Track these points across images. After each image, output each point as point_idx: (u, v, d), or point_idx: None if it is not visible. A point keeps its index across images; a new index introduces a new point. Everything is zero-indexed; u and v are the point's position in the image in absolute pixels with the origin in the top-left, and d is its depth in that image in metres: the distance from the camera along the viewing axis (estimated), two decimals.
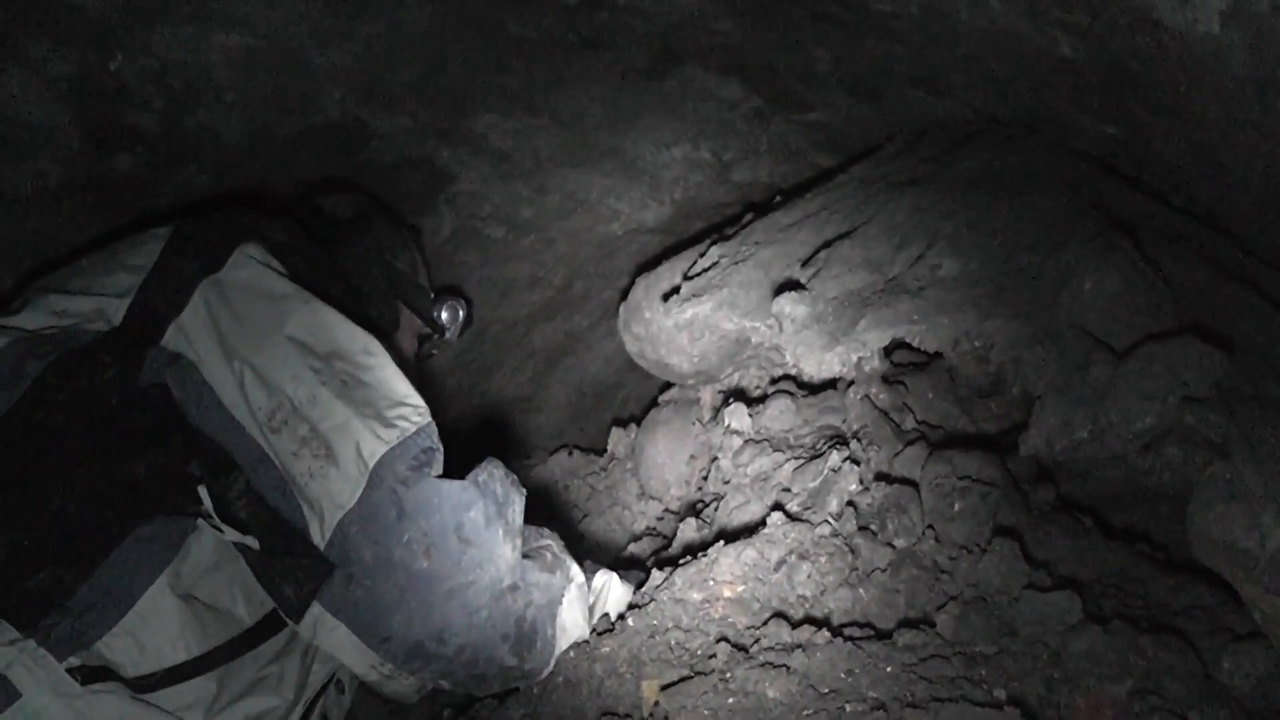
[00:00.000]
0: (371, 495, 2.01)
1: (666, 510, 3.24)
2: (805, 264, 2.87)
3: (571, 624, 2.24)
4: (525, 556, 2.25)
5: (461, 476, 2.17)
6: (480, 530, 2.11)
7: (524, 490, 2.30)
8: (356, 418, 2.04)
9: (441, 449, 2.14)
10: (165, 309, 2.14)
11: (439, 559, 2.04)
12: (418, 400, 2.15)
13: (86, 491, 2.02)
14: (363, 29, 2.91)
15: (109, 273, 2.23)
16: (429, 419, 2.13)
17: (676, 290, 3.03)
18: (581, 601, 2.30)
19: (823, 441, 2.59)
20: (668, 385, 3.59)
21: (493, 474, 2.23)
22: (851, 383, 2.65)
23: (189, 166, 2.99)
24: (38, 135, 2.62)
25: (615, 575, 2.44)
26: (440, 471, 2.12)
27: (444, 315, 3.09)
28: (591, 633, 2.27)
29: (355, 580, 2.00)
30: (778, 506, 2.43)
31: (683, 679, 2.01)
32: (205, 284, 2.15)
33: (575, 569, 2.34)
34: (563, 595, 2.24)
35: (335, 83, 3.06)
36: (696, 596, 2.22)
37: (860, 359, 2.62)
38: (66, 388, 2.07)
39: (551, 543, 2.38)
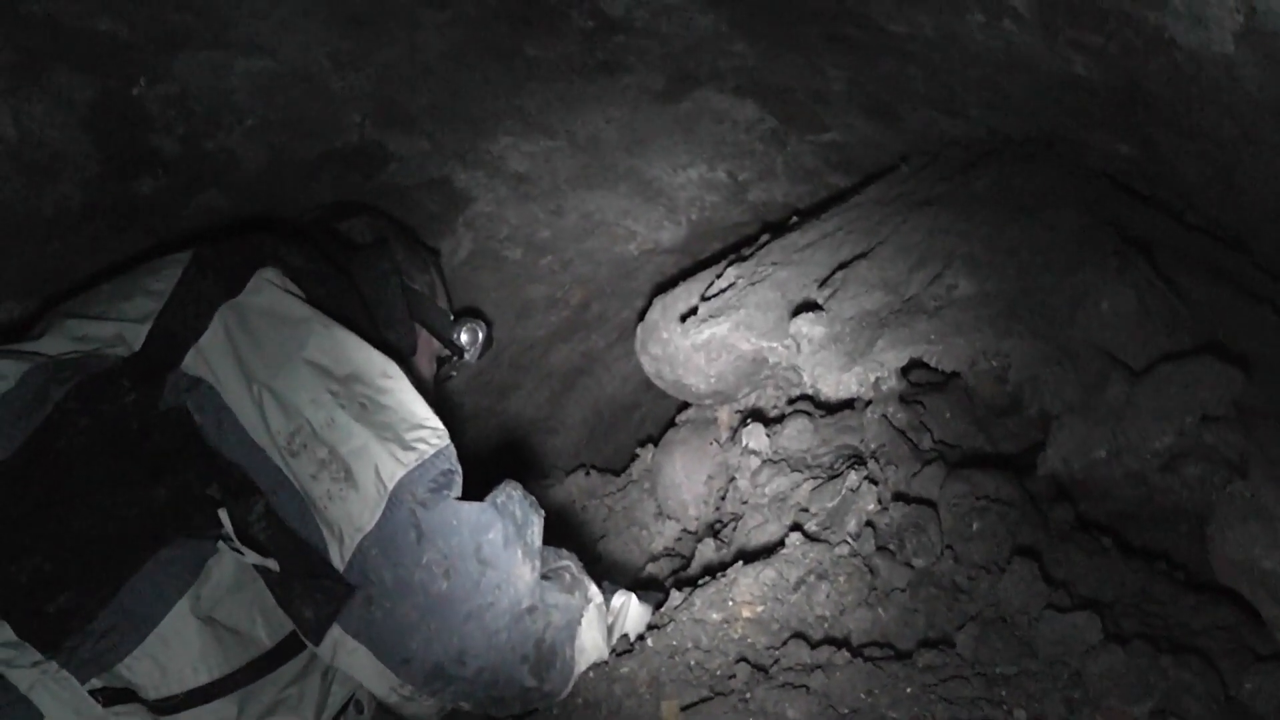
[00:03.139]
0: (391, 517, 2.02)
1: (684, 530, 3.24)
2: (822, 285, 2.87)
3: (590, 645, 2.25)
4: (544, 577, 2.26)
5: (480, 498, 2.17)
6: (499, 552, 2.11)
7: (543, 511, 2.30)
8: (375, 440, 2.04)
9: (460, 471, 2.14)
10: (185, 333, 2.14)
11: (458, 581, 2.05)
12: (436, 423, 2.16)
13: (108, 515, 2.03)
14: (381, 53, 2.93)
15: (129, 297, 2.25)
16: (448, 441, 2.14)
17: (694, 311, 3.03)
18: (600, 622, 2.30)
19: (841, 461, 2.59)
20: (685, 405, 3.60)
21: (511, 495, 2.24)
22: (869, 403, 2.65)
23: (209, 190, 3.01)
24: (60, 160, 2.64)
25: (634, 596, 2.44)
26: (459, 494, 2.13)
27: (463, 337, 3.09)
28: (611, 653, 2.28)
29: (375, 602, 2.01)
30: (796, 526, 2.43)
31: (702, 700, 2.02)
32: (224, 308, 2.16)
33: (594, 589, 2.34)
34: (581, 616, 2.25)
35: (354, 106, 3.08)
36: (716, 617, 2.22)
37: (878, 379, 2.63)
38: (88, 412, 2.08)
39: (570, 563, 2.39)
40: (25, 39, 2.43)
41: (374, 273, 2.64)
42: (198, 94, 2.77)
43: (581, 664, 2.22)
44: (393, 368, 2.19)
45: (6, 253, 2.69)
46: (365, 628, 2.02)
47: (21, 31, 2.41)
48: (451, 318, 3.02)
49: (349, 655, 2.03)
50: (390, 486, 2.02)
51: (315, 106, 3.01)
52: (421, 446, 2.08)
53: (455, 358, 3.10)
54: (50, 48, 2.47)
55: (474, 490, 2.18)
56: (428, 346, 2.93)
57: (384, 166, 3.35)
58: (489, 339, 3.18)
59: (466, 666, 2.06)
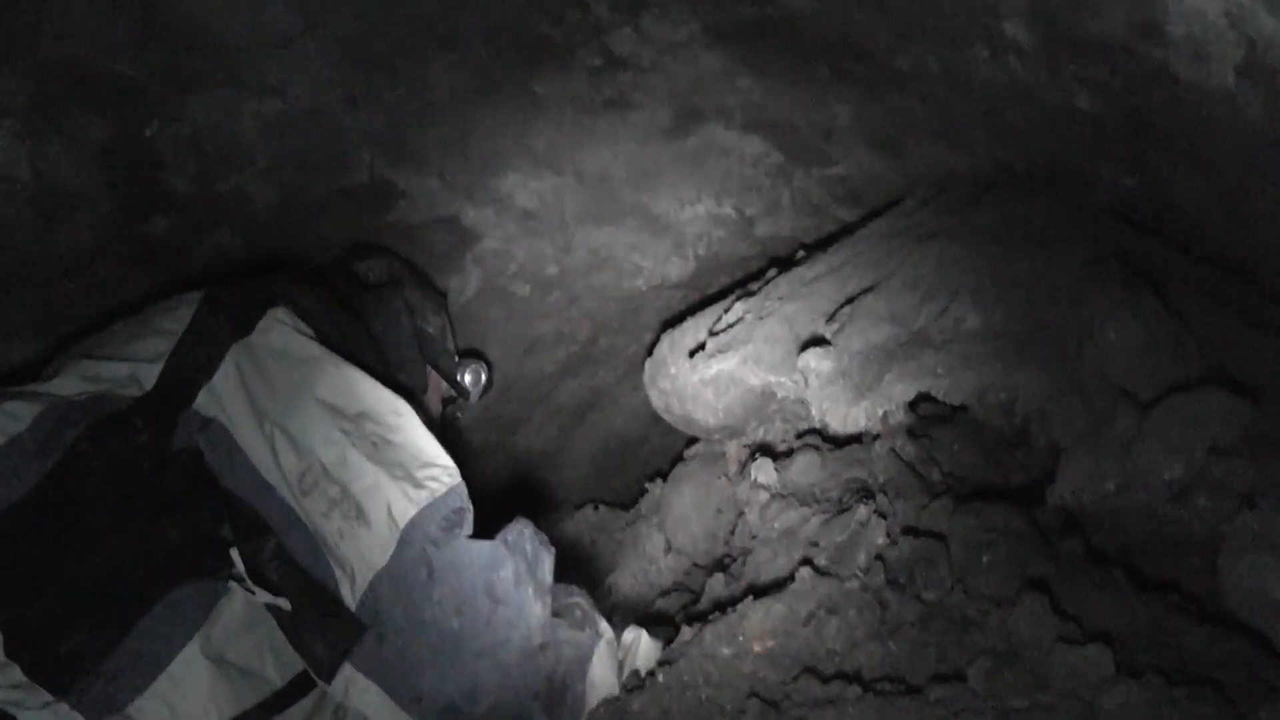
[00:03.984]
0: (403, 555, 2.02)
1: (694, 565, 3.23)
2: (829, 319, 2.88)
3: (601, 680, 2.24)
4: (555, 614, 2.26)
5: (491, 535, 2.18)
6: (511, 589, 2.12)
7: (553, 549, 2.31)
8: (387, 479, 2.05)
9: (471, 509, 2.15)
10: (197, 373, 2.15)
11: (470, 618, 2.05)
12: (447, 461, 2.16)
13: (119, 555, 2.03)
14: (392, 92, 2.95)
15: (141, 337, 2.25)
16: (459, 479, 2.14)
17: (702, 346, 3.04)
18: (611, 658, 2.30)
19: (850, 495, 2.59)
20: (693, 440, 3.60)
21: (522, 533, 2.24)
22: (877, 436, 2.65)
23: (221, 229, 3.03)
24: (73, 200, 2.66)
25: (644, 631, 2.44)
26: (471, 531, 2.13)
27: (467, 379, 3.10)
28: (621, 689, 2.27)
29: (387, 640, 2.01)
30: (806, 561, 2.43)
31: None
32: (236, 348, 2.17)
33: (604, 625, 2.34)
34: (592, 652, 2.25)
35: (365, 145, 3.11)
36: (726, 652, 2.22)
37: (886, 412, 2.63)
38: (100, 453, 2.08)
39: (581, 600, 2.39)
40: (40, 81, 2.45)
41: (386, 312, 2.65)
42: (210, 134, 2.79)
43: (592, 700, 2.21)
44: (403, 406, 2.20)
45: (19, 292, 2.71)
46: (377, 666, 2.02)
47: (37, 74, 2.44)
48: (456, 359, 3.04)
49: (361, 694, 2.03)
50: (402, 525, 2.03)
51: (326, 145, 3.03)
52: (433, 485, 2.09)
53: (460, 399, 3.11)
54: (65, 90, 2.49)
55: (484, 526, 2.19)
56: (438, 387, 2.94)
57: (394, 204, 3.37)
58: (490, 381, 3.21)
59: (479, 704, 2.06)
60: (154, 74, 2.58)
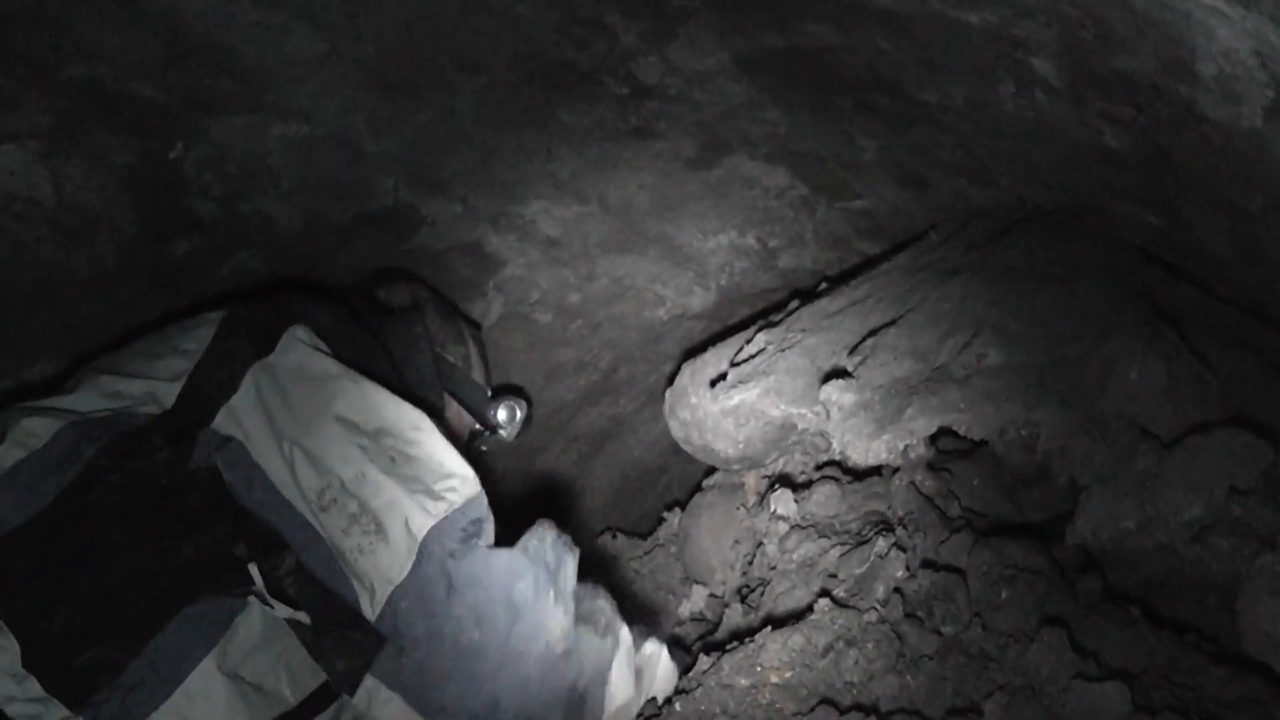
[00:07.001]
0: (421, 569, 2.03)
1: (712, 595, 3.23)
2: (852, 352, 2.88)
3: (619, 690, 2.26)
4: (580, 618, 2.26)
5: (513, 544, 2.18)
6: (530, 599, 2.12)
7: (577, 550, 2.31)
8: (405, 493, 2.05)
9: (491, 517, 2.15)
10: (216, 392, 2.16)
11: (489, 630, 2.06)
12: (467, 471, 2.16)
13: (136, 570, 2.03)
14: (416, 118, 2.96)
15: (161, 356, 2.26)
16: (478, 489, 2.15)
17: (723, 376, 3.04)
18: (628, 665, 2.31)
19: (869, 528, 2.59)
20: (712, 470, 3.59)
21: (544, 539, 2.25)
22: (897, 470, 2.65)
23: (244, 251, 3.04)
24: (96, 221, 2.66)
25: (665, 649, 2.45)
26: (491, 541, 2.14)
27: (500, 414, 3.06)
28: (638, 718, 2.27)
29: (407, 653, 2.02)
30: (824, 592, 2.42)
31: None
32: (256, 367, 2.18)
33: (625, 633, 2.36)
34: (612, 660, 2.26)
35: (388, 170, 3.11)
36: (744, 682, 2.21)
37: (906, 446, 2.62)
38: (119, 470, 2.08)
39: (605, 604, 2.39)
40: (65, 103, 2.46)
41: (404, 336, 2.65)
42: (234, 157, 2.80)
43: (610, 708, 2.22)
44: (424, 420, 2.20)
45: (40, 312, 2.71)
46: (398, 678, 2.02)
47: (62, 96, 2.45)
48: (489, 394, 3.01)
49: (383, 706, 2.04)
50: (420, 538, 2.03)
51: (350, 170, 3.04)
52: (451, 496, 2.09)
53: (488, 433, 3.09)
54: (90, 111, 2.50)
55: (505, 544, 2.19)
56: (457, 416, 2.92)
57: (417, 230, 3.38)
58: (528, 418, 3.17)
59: (501, 714, 2.07)
60: (178, 96, 2.59)
